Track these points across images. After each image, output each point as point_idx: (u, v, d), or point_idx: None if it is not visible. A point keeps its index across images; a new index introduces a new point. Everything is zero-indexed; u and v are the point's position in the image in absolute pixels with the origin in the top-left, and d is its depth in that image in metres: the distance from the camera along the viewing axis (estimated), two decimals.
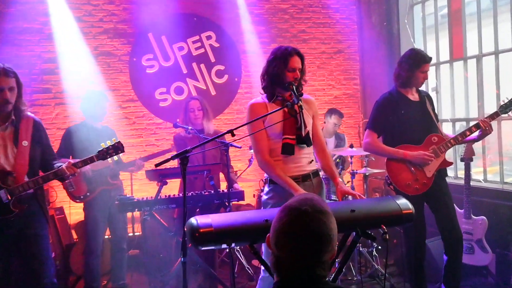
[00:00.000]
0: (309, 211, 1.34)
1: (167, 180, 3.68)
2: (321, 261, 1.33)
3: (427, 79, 3.48)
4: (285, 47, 2.70)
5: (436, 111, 3.67)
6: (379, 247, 4.55)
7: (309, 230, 1.32)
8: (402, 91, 3.48)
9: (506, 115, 3.47)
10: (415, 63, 3.40)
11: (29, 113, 2.98)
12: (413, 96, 3.51)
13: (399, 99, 3.46)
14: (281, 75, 2.66)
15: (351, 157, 4.84)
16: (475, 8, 4.88)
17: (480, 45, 4.86)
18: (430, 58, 3.45)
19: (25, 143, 2.87)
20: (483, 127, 3.35)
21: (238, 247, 4.43)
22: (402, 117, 3.42)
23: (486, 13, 4.86)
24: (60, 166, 2.92)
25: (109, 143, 3.07)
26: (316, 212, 1.35)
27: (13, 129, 2.88)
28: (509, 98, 3.42)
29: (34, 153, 2.92)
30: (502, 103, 3.45)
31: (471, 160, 4.04)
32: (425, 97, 3.54)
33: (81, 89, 4.90)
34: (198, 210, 3.97)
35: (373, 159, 4.88)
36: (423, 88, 3.74)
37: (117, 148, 3.07)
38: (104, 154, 3.03)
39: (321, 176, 2.90)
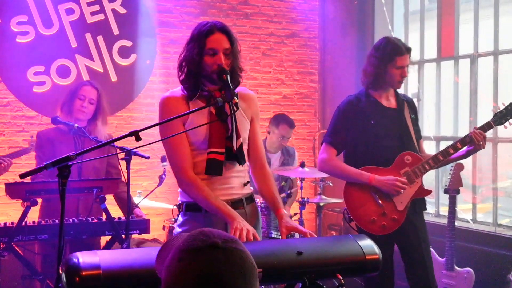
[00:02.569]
0: (219, 243, 1.37)
1: (38, 199, 3.56)
2: None
3: (405, 76, 3.59)
4: (204, 23, 2.70)
5: (419, 123, 3.81)
6: None
7: (235, 265, 1.35)
8: (373, 94, 3.60)
9: (502, 126, 3.59)
10: (387, 55, 3.52)
11: None
12: (388, 102, 3.63)
13: (368, 105, 3.58)
14: (199, 61, 2.66)
15: (302, 180, 4.93)
16: None
17: (476, 42, 5.15)
18: (408, 49, 3.57)
19: None
20: (476, 141, 3.45)
21: None
22: (371, 130, 3.53)
23: (485, 2, 5.17)
24: None
25: None
26: (227, 242, 1.38)
27: None
28: (506, 105, 3.56)
29: None
30: (497, 110, 3.58)
31: (458, 192, 4.24)
32: (404, 102, 3.66)
33: None
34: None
35: (331, 184, 5.00)
36: (401, 91, 3.88)
37: None
38: None
39: (257, 203, 2.92)
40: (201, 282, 1.32)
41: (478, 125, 3.59)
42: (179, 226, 2.80)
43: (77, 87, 4.12)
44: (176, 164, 2.74)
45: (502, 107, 3.57)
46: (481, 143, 3.45)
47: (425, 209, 3.70)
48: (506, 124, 3.59)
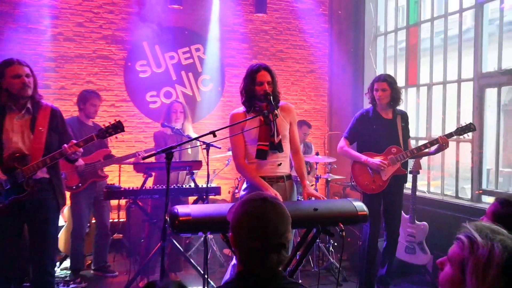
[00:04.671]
0: (268, 198, 1.39)
1: (152, 173, 3.62)
2: (287, 240, 1.36)
3: (380, 95, 3.56)
4: (254, 65, 2.75)
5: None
6: (335, 244, 4.61)
7: (276, 211, 1.36)
8: (378, 110, 3.64)
9: (461, 137, 3.60)
10: (371, 83, 3.62)
11: (46, 102, 2.86)
12: (386, 115, 3.65)
13: (373, 117, 3.62)
14: (252, 89, 2.70)
15: (317, 163, 4.90)
16: (429, 44, 5.03)
17: (431, 75, 5.01)
18: (383, 79, 3.55)
19: (42, 129, 2.73)
20: (441, 143, 3.47)
21: (212, 235, 4.42)
22: (372, 131, 3.58)
23: (437, 49, 5.03)
24: None
25: (108, 123, 2.87)
26: (274, 199, 1.40)
27: (30, 117, 2.75)
28: (467, 123, 3.53)
29: (50, 139, 2.77)
30: (460, 125, 3.55)
31: (418, 173, 4.14)
32: (398, 115, 3.66)
33: (78, 88, 5.03)
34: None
35: (335, 166, 4.96)
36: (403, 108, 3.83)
37: (116, 127, 2.84)
38: (103, 133, 2.82)
39: (293, 179, 2.93)
40: (253, 220, 1.34)
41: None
42: (244, 190, 2.83)
43: (170, 105, 4.08)
44: (235, 155, 2.80)
45: (463, 124, 3.52)
46: (444, 145, 3.46)
47: (405, 182, 3.69)
48: (465, 135, 3.59)
